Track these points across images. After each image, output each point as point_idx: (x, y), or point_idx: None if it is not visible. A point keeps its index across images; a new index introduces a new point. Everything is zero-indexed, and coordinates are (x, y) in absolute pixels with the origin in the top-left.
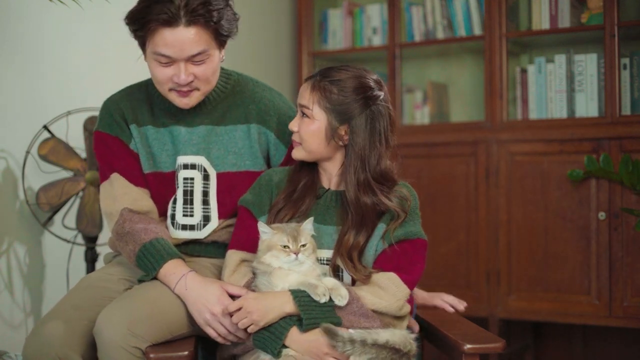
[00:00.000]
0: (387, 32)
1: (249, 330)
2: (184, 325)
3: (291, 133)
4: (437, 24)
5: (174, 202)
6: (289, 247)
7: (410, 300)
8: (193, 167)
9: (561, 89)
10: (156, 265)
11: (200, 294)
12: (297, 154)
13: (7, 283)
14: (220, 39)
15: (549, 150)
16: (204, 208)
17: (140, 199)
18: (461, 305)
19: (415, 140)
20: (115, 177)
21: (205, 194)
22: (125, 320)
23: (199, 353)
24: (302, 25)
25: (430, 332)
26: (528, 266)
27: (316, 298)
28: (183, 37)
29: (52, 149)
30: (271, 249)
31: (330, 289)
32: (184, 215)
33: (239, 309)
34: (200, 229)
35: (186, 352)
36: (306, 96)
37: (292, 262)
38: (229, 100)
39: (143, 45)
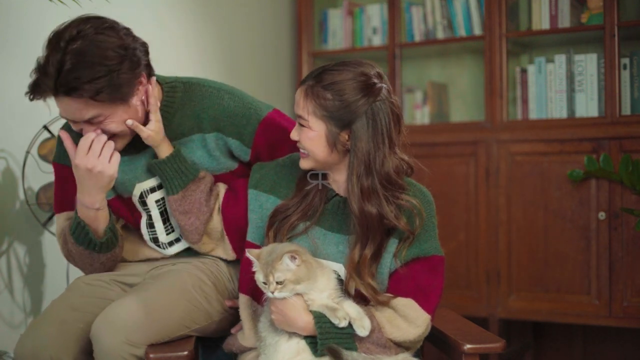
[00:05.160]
0: (387, 32)
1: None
2: (181, 326)
3: (252, 129)
4: (437, 24)
5: (151, 227)
6: (267, 285)
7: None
8: (160, 187)
9: (561, 89)
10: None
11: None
12: (305, 164)
13: (7, 283)
14: (112, 100)
15: (549, 150)
16: None
17: None
18: None
19: (415, 140)
20: (59, 218)
21: None
22: (122, 329)
23: (199, 353)
24: (302, 25)
25: (430, 332)
26: (528, 266)
27: (335, 321)
28: (69, 106)
29: (52, 149)
30: (257, 282)
31: (353, 318)
32: (167, 234)
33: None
34: None
35: (186, 352)
36: (300, 105)
37: (271, 298)
38: (179, 114)
39: None
